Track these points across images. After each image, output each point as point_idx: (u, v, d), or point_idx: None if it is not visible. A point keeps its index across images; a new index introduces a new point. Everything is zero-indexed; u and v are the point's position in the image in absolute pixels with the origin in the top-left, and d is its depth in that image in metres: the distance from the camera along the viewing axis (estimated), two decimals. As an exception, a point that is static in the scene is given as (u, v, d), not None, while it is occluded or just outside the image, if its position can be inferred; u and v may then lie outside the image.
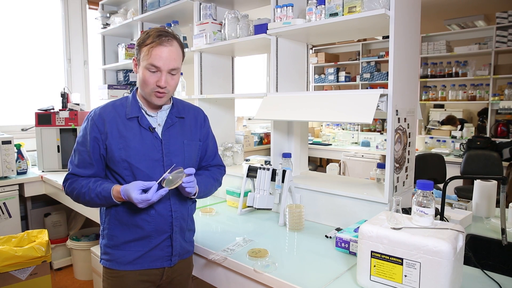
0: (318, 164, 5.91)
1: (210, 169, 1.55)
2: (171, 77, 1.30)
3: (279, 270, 1.31)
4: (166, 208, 1.34)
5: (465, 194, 3.43)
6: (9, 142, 2.81)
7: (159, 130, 1.36)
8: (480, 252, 1.60)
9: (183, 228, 1.40)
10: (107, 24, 3.41)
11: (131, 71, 3.50)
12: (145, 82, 1.28)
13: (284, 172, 1.84)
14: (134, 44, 3.18)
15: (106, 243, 1.36)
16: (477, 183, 1.93)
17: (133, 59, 1.34)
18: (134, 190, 1.22)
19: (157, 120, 1.37)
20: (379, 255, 1.12)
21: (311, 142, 5.37)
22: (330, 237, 1.61)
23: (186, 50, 2.43)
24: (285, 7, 1.87)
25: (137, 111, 1.34)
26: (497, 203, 1.76)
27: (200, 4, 2.37)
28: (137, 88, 1.39)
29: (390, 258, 1.10)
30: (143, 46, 1.27)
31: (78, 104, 3.20)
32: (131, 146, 1.30)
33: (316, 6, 1.76)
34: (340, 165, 4.87)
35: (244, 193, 1.99)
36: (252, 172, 1.96)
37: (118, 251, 1.34)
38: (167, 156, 1.34)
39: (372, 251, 1.14)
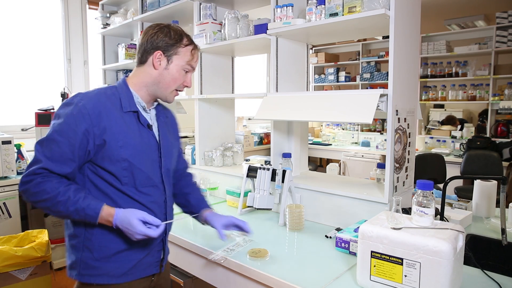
0: (318, 164, 5.91)
1: (194, 183, 1.53)
2: None
3: (279, 270, 1.31)
4: (161, 211, 1.28)
5: (465, 194, 3.43)
6: (9, 142, 2.81)
7: (153, 129, 1.29)
8: (480, 252, 1.60)
9: (169, 229, 1.36)
10: (107, 24, 3.41)
11: (131, 71, 3.50)
12: (175, 81, 1.28)
13: (284, 172, 1.84)
14: (134, 44, 3.19)
15: (91, 256, 1.17)
16: (477, 183, 1.93)
17: (159, 53, 1.24)
18: (135, 219, 1.10)
19: (150, 117, 1.30)
20: (379, 255, 1.12)
21: (311, 142, 5.37)
22: (330, 237, 1.61)
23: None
24: (285, 7, 1.87)
25: (134, 105, 1.24)
26: (497, 203, 1.76)
27: (200, 4, 2.37)
28: (126, 77, 1.30)
29: (390, 258, 1.10)
30: (181, 45, 1.26)
31: (78, 104, 3.20)
32: (132, 144, 1.19)
33: (316, 6, 1.76)
34: (340, 165, 4.87)
35: (244, 193, 1.99)
36: (252, 172, 1.95)
37: (108, 263, 1.19)
38: (163, 157, 1.29)
39: (372, 251, 1.14)
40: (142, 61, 1.27)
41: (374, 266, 1.14)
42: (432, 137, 4.92)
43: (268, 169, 1.89)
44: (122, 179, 1.18)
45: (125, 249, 1.20)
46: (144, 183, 1.22)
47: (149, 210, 1.22)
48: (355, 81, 5.70)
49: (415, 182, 1.80)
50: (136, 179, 1.20)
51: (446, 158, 3.92)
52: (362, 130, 5.56)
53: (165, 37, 1.25)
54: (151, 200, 1.24)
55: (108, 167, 1.16)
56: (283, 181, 1.84)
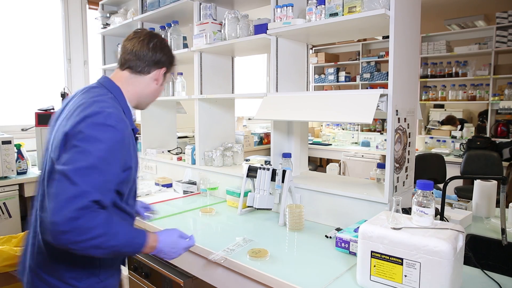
0: (318, 164, 5.91)
1: None
2: None
3: (279, 270, 1.31)
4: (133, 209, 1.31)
5: (465, 194, 3.43)
6: (9, 142, 2.81)
7: None
8: (480, 252, 1.60)
9: None
10: (107, 24, 3.41)
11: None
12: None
13: (284, 172, 1.84)
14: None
15: (97, 279, 1.15)
16: (477, 183, 1.93)
17: (164, 70, 1.27)
18: (178, 237, 1.20)
19: None
20: (379, 255, 1.12)
21: (311, 142, 5.37)
22: (330, 237, 1.61)
23: (186, 50, 2.44)
24: (285, 7, 1.87)
25: (132, 120, 1.22)
26: (497, 203, 1.76)
27: (200, 4, 2.36)
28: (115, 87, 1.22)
29: (390, 258, 1.10)
30: (174, 64, 1.32)
31: (78, 104, 3.20)
32: (136, 163, 1.19)
33: (316, 6, 1.76)
34: (340, 165, 4.87)
35: (244, 193, 1.99)
36: (252, 172, 1.95)
37: (109, 280, 1.20)
38: None
39: (372, 251, 1.14)
40: (142, 72, 1.23)
41: (374, 266, 1.14)
42: (432, 137, 4.92)
43: (268, 169, 1.89)
44: (123, 197, 1.16)
45: (118, 260, 1.25)
46: (133, 195, 1.24)
47: (132, 218, 1.26)
48: (355, 81, 5.71)
49: (415, 182, 1.80)
50: (130, 194, 1.20)
51: (446, 158, 3.93)
52: (362, 130, 5.56)
53: (170, 54, 1.28)
54: (133, 209, 1.26)
55: (122, 188, 1.12)
56: (283, 181, 1.84)
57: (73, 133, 1.01)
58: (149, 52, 1.22)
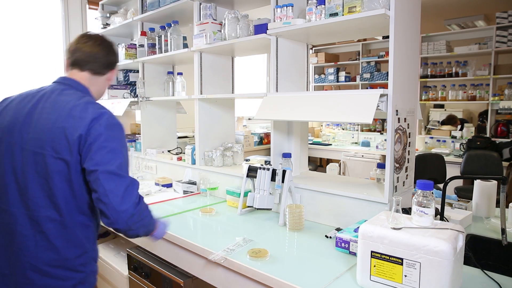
0: (318, 164, 5.92)
1: None
2: None
3: (279, 270, 1.31)
4: None
5: (465, 194, 3.43)
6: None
7: None
8: (480, 252, 1.60)
9: None
10: (107, 24, 3.41)
11: (131, 71, 3.50)
12: None
13: (284, 172, 1.84)
14: (134, 44, 3.19)
15: (95, 263, 1.32)
16: (477, 183, 1.93)
17: (115, 70, 1.43)
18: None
19: None
20: (379, 255, 1.12)
21: (311, 142, 5.37)
22: (330, 237, 1.61)
23: (186, 50, 2.44)
24: (285, 7, 1.87)
25: None
26: (497, 203, 1.76)
27: (200, 4, 2.37)
28: (70, 78, 1.40)
29: (390, 258, 1.10)
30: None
31: (78, 104, 3.20)
32: None
33: (316, 6, 1.76)
34: (340, 165, 4.87)
35: (244, 193, 1.99)
36: (252, 172, 1.96)
37: (97, 256, 1.35)
38: None
39: (372, 251, 1.14)
40: (100, 73, 1.37)
41: (374, 266, 1.14)
42: (432, 137, 4.92)
43: (268, 169, 1.89)
44: None
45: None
46: None
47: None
48: (355, 81, 5.71)
49: (415, 182, 1.80)
50: None
51: (446, 158, 3.93)
52: (362, 130, 5.56)
53: (117, 56, 1.43)
54: None
55: None
56: (283, 181, 1.84)
57: (92, 135, 1.14)
58: (106, 55, 1.36)
